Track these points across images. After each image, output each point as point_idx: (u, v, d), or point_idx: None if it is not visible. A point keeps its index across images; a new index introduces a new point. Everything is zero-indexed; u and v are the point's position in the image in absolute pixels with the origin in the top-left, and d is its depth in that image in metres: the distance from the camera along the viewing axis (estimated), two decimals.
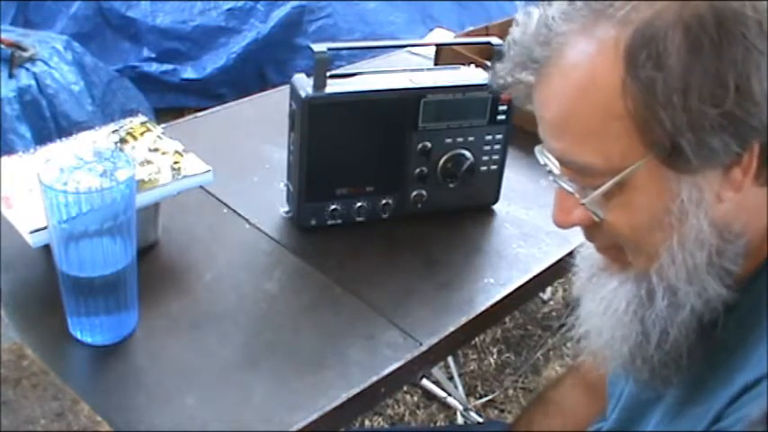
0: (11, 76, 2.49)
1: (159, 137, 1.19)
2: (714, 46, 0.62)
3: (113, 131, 1.20)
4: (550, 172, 0.75)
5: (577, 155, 0.70)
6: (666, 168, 0.67)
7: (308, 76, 1.14)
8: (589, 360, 0.84)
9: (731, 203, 0.69)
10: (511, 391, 2.17)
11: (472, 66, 1.27)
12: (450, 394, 2.03)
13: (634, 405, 0.87)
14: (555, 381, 1.20)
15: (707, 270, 0.70)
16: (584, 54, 0.67)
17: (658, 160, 0.66)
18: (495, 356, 2.25)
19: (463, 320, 1.08)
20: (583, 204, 0.72)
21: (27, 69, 2.53)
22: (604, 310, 0.77)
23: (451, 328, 1.06)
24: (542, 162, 0.76)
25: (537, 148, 0.77)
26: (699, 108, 0.63)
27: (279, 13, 3.15)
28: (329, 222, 1.21)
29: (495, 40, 1.21)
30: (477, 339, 2.23)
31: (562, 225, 0.76)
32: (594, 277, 0.80)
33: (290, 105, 1.16)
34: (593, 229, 0.75)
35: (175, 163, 1.13)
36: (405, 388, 2.02)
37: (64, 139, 1.18)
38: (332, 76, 1.14)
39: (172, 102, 3.12)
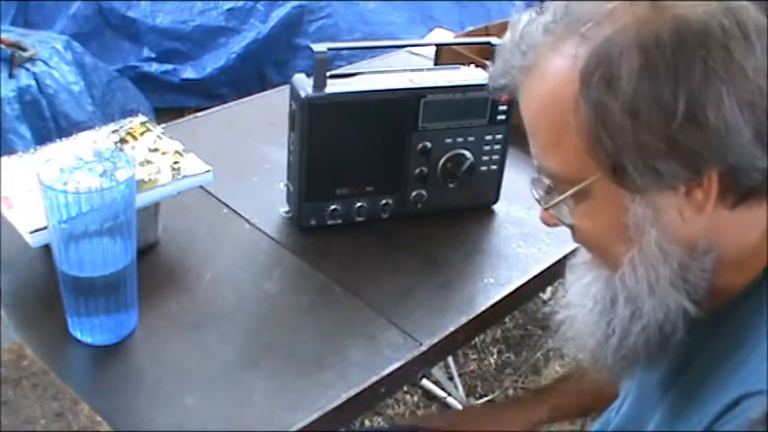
0: (11, 76, 2.49)
1: (159, 137, 1.19)
2: (669, 70, 0.62)
3: (113, 131, 1.20)
4: (533, 178, 0.79)
5: (545, 161, 0.73)
6: (618, 187, 0.68)
7: (308, 76, 1.14)
8: (563, 346, 0.86)
9: (697, 223, 0.69)
10: (511, 391, 2.17)
11: (472, 66, 1.27)
12: (450, 394, 2.03)
13: (640, 405, 0.88)
14: None
15: (670, 284, 0.71)
16: (552, 67, 0.69)
17: (609, 178, 0.68)
18: (495, 356, 2.25)
19: (463, 320, 1.08)
20: (548, 210, 0.76)
21: (27, 69, 2.53)
22: (579, 301, 0.80)
23: (451, 328, 1.06)
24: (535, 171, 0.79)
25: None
26: (644, 133, 0.64)
27: (279, 13, 3.15)
28: (329, 222, 1.21)
29: (495, 40, 1.22)
30: (477, 339, 2.23)
31: (545, 223, 0.80)
32: (577, 267, 0.83)
33: (290, 105, 1.16)
34: (571, 231, 0.79)
35: (175, 163, 1.13)
36: (405, 388, 2.02)
37: (64, 139, 1.18)
38: (332, 76, 1.14)
39: (172, 102, 3.12)
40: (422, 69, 1.25)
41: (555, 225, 0.79)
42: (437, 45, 1.69)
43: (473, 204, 1.29)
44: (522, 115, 0.74)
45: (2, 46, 2.52)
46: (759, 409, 0.66)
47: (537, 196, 0.78)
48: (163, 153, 1.15)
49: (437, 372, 1.97)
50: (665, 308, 0.72)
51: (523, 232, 1.26)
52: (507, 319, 2.35)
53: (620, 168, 0.66)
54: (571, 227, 0.77)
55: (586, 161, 0.68)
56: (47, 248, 0.98)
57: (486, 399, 2.11)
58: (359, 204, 1.21)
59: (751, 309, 0.71)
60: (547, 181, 0.75)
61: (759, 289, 0.71)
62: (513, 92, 0.74)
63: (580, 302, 0.80)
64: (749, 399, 0.64)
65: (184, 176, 1.12)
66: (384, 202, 1.22)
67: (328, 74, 1.13)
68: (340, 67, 1.46)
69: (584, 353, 0.81)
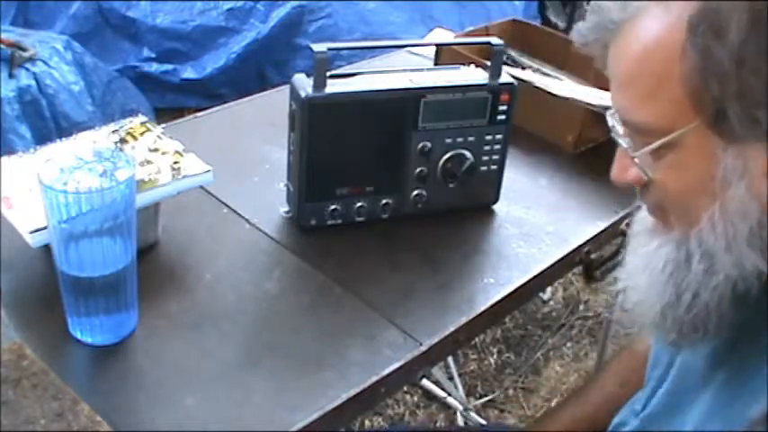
0: (11, 76, 2.49)
1: (159, 137, 1.19)
2: None
3: (113, 131, 1.20)
4: (613, 128, 0.79)
5: (636, 113, 0.74)
6: (713, 135, 0.69)
7: (308, 76, 1.14)
8: (624, 317, 0.86)
9: None
10: (511, 391, 2.17)
11: (472, 66, 1.27)
12: (450, 394, 2.03)
13: (681, 386, 0.88)
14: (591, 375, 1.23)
15: (747, 242, 0.72)
16: (655, 19, 0.71)
17: (706, 126, 0.69)
18: (495, 356, 2.25)
19: (463, 320, 1.08)
20: (635, 161, 0.76)
21: (27, 69, 2.53)
22: (643, 267, 0.80)
23: (451, 328, 1.06)
24: (610, 124, 0.80)
25: (608, 112, 0.82)
26: (749, 80, 0.65)
27: (279, 13, 3.15)
28: (329, 222, 1.21)
29: (495, 40, 1.22)
30: (477, 339, 2.23)
31: (618, 181, 0.80)
32: (641, 236, 0.83)
33: (290, 105, 1.16)
34: (644, 189, 0.79)
35: (175, 163, 1.13)
36: (405, 388, 2.02)
37: (64, 139, 1.18)
38: (332, 76, 1.14)
39: (172, 102, 3.12)
40: (422, 69, 1.25)
41: (627, 183, 0.79)
42: (437, 45, 1.69)
43: (473, 204, 1.29)
44: (611, 71, 0.76)
45: (2, 46, 2.52)
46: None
47: (625, 145, 0.78)
48: (163, 153, 1.15)
49: (437, 372, 1.97)
50: (740, 266, 0.72)
51: (523, 232, 1.26)
52: (507, 319, 2.35)
53: (721, 115, 0.67)
54: (649, 183, 0.77)
55: (684, 110, 0.69)
56: (47, 248, 0.98)
57: (486, 399, 2.11)
58: (359, 204, 1.21)
59: None
60: (627, 139, 0.77)
61: None
62: (602, 48, 0.76)
63: (645, 268, 0.80)
64: None
65: (184, 176, 1.12)
66: (384, 202, 1.22)
67: (328, 74, 1.13)
68: (340, 67, 1.46)
69: (648, 318, 0.80)
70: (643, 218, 0.85)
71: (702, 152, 0.71)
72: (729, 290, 0.74)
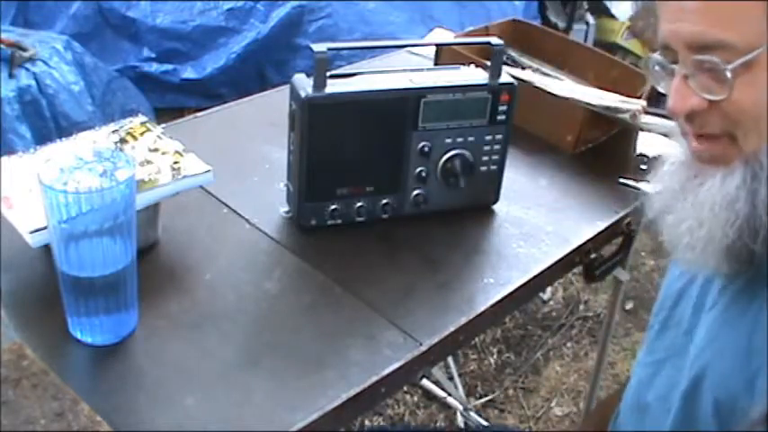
0: (11, 76, 2.49)
1: (159, 137, 1.19)
2: None
3: (113, 131, 1.20)
4: (662, 67, 0.82)
5: (717, 33, 0.76)
6: None
7: (308, 76, 1.14)
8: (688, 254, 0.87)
9: None
10: (511, 391, 2.17)
11: (472, 66, 1.27)
12: (450, 394, 2.03)
13: (684, 328, 0.92)
14: None
15: None
16: None
17: None
18: (495, 356, 2.25)
19: (463, 320, 1.08)
20: (703, 82, 0.78)
21: (27, 69, 2.53)
22: (710, 207, 0.82)
23: (451, 328, 1.06)
24: (654, 68, 0.83)
25: (649, 57, 0.84)
26: None
27: (279, 13, 3.15)
28: (329, 222, 1.21)
29: (495, 40, 1.21)
30: (477, 339, 2.23)
31: (679, 111, 0.82)
32: (688, 182, 0.85)
33: (290, 105, 1.16)
34: (706, 115, 0.81)
35: (175, 163, 1.13)
36: (405, 388, 2.02)
37: (64, 139, 1.18)
38: (332, 76, 1.14)
39: (172, 102, 3.12)
40: (422, 69, 1.25)
41: (688, 111, 0.81)
42: (437, 45, 1.69)
43: (473, 204, 1.29)
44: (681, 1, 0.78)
45: (2, 46, 2.53)
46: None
47: (708, 65, 0.79)
48: (163, 153, 1.15)
49: (437, 372, 1.97)
50: None
51: (523, 232, 1.26)
52: (507, 319, 2.35)
53: None
54: (717, 105, 0.79)
55: (764, 29, 0.74)
56: (47, 248, 0.98)
57: (486, 399, 2.12)
58: (359, 204, 1.21)
59: None
60: (702, 57, 0.78)
61: None
62: None
63: (710, 207, 0.82)
64: None
65: (184, 176, 1.12)
66: (384, 202, 1.22)
67: (328, 74, 1.13)
68: (340, 67, 1.46)
69: (720, 243, 0.82)
70: (674, 171, 0.87)
71: None
72: None
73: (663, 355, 0.97)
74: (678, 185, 0.87)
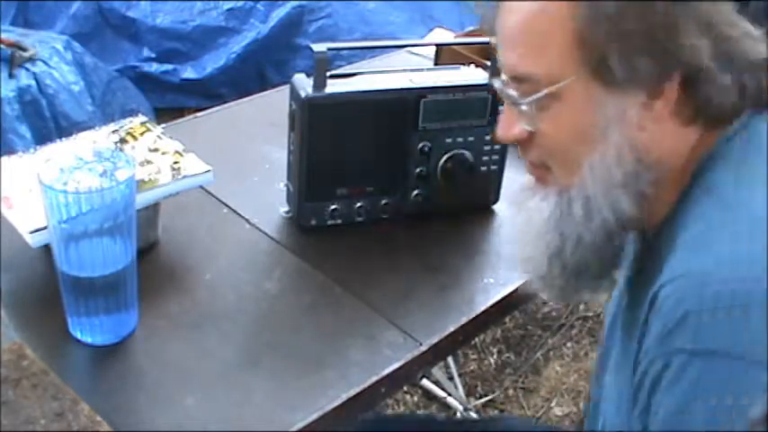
0: (11, 76, 2.49)
1: (159, 137, 1.19)
2: None
3: (113, 131, 1.20)
4: (501, 91, 0.83)
5: (524, 65, 0.78)
6: (595, 83, 0.75)
7: (308, 76, 1.14)
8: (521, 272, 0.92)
9: (651, 134, 0.76)
10: (511, 391, 2.17)
11: (472, 66, 1.27)
12: (450, 394, 2.03)
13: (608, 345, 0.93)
14: None
15: (622, 188, 0.78)
16: None
17: (589, 74, 0.74)
18: (495, 356, 2.25)
19: (463, 320, 1.08)
20: (520, 113, 0.80)
21: (27, 69, 2.52)
22: (527, 222, 0.85)
23: (451, 329, 1.06)
24: (497, 87, 0.84)
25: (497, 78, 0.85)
26: (631, 26, 0.71)
27: (279, 13, 3.15)
28: (329, 222, 1.21)
29: (494, 40, 1.21)
30: (477, 339, 2.23)
31: (503, 138, 0.85)
32: (521, 194, 0.88)
33: (290, 105, 1.16)
34: (527, 144, 0.83)
35: (175, 163, 1.13)
36: (405, 388, 2.02)
37: (64, 139, 1.18)
38: (332, 76, 1.14)
39: (172, 102, 3.11)
40: (422, 69, 1.25)
41: (512, 140, 0.84)
42: (437, 45, 1.69)
43: (473, 204, 1.29)
44: (500, 31, 0.80)
45: (2, 46, 2.52)
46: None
47: (513, 94, 0.81)
48: (163, 153, 1.15)
49: (437, 372, 1.97)
50: (616, 208, 0.79)
51: None
52: (507, 319, 2.35)
53: (603, 61, 0.73)
54: (533, 136, 0.81)
55: (570, 60, 0.75)
56: (47, 248, 0.98)
57: (486, 399, 2.11)
58: (359, 204, 1.21)
59: (681, 218, 0.76)
60: (516, 89, 0.80)
61: (688, 198, 0.77)
62: (491, 12, 0.81)
63: (530, 222, 0.85)
64: (663, 288, 0.70)
65: (184, 176, 1.12)
66: (384, 202, 1.22)
67: (328, 74, 1.13)
68: (340, 67, 1.46)
69: (538, 271, 0.86)
70: (522, 183, 0.90)
71: (585, 101, 0.76)
72: (606, 233, 0.80)
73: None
74: (515, 193, 0.91)
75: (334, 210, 1.20)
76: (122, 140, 1.18)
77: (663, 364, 0.70)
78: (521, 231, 0.87)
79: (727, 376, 0.67)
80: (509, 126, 0.83)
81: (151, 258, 1.13)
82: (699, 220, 0.74)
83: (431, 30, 2.06)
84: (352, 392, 0.95)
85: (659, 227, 0.80)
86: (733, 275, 0.68)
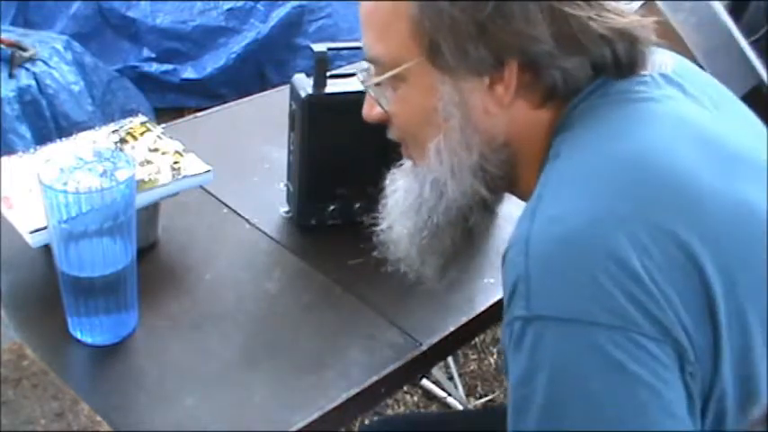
0: (11, 76, 2.49)
1: (159, 137, 1.19)
2: None
3: (113, 131, 1.20)
4: (364, 73, 0.88)
5: (372, 48, 0.83)
6: (433, 69, 0.78)
7: (308, 76, 1.14)
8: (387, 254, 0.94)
9: (498, 117, 0.79)
10: None
11: None
12: (450, 394, 2.03)
13: None
14: None
15: (471, 171, 0.81)
16: None
17: (426, 60, 0.78)
18: (495, 356, 2.25)
19: (463, 320, 1.08)
20: (375, 94, 0.86)
21: (27, 69, 2.53)
22: (394, 203, 0.90)
23: (451, 328, 1.06)
24: (361, 69, 0.89)
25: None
26: (459, 16, 0.74)
27: (279, 13, 3.15)
28: (329, 222, 1.21)
29: None
30: (477, 339, 2.23)
31: (366, 118, 0.90)
32: (395, 175, 0.92)
33: (290, 105, 1.16)
34: (389, 125, 0.89)
35: (175, 163, 1.13)
36: (405, 388, 2.02)
37: (64, 139, 1.18)
38: (332, 76, 1.14)
39: (172, 102, 3.12)
40: None
41: (374, 120, 0.89)
42: None
43: None
44: (360, 17, 0.84)
45: (2, 46, 2.52)
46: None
47: (361, 78, 0.88)
48: (163, 153, 1.15)
49: (437, 372, 1.97)
50: (465, 191, 0.82)
51: None
52: None
53: (435, 48, 0.76)
54: (389, 116, 0.87)
55: (409, 46, 0.78)
56: (47, 248, 0.98)
57: (486, 399, 2.11)
58: (359, 204, 1.21)
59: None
60: (373, 72, 0.85)
61: (542, 168, 0.78)
62: None
63: (394, 203, 0.89)
64: (504, 258, 0.73)
65: (184, 176, 1.12)
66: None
67: (328, 74, 1.13)
68: (340, 67, 1.46)
69: (400, 249, 0.90)
70: (403, 164, 0.93)
71: (424, 85, 0.80)
72: (458, 213, 0.83)
73: None
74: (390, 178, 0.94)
75: (334, 210, 1.20)
76: (122, 140, 1.18)
77: (507, 334, 0.69)
78: (388, 213, 0.91)
79: (560, 340, 0.65)
80: (370, 108, 0.89)
81: (151, 258, 1.13)
82: (539, 186, 0.75)
83: None
84: (352, 392, 0.95)
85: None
86: (552, 237, 0.68)
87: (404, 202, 0.88)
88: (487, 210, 0.86)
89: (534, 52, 0.75)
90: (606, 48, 0.76)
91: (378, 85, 0.84)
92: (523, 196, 0.82)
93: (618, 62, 0.77)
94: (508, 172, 0.82)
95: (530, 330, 0.66)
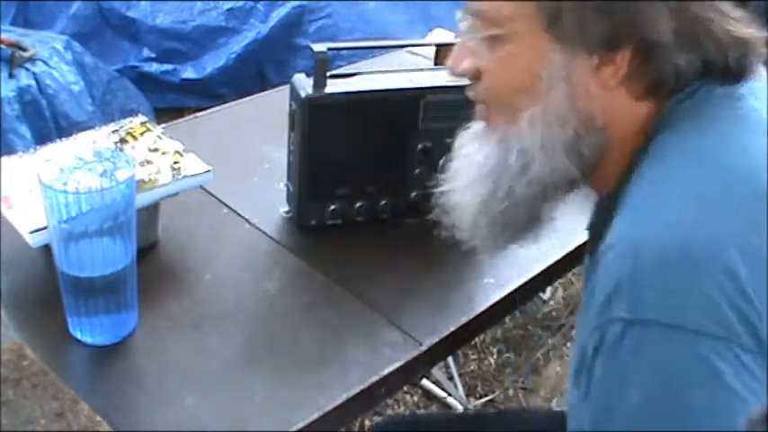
0: (11, 76, 2.49)
1: (159, 137, 1.19)
2: None
3: (113, 131, 1.20)
4: (462, 24, 0.83)
5: (482, 1, 0.78)
6: (546, 36, 0.75)
7: (308, 76, 1.14)
8: (446, 221, 0.91)
9: (599, 101, 0.76)
10: (511, 391, 2.17)
11: None
12: (450, 394, 2.03)
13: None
14: None
15: (563, 147, 0.78)
16: None
17: (541, 25, 0.75)
18: (495, 356, 2.25)
19: (463, 320, 1.08)
20: (472, 48, 0.81)
21: (27, 69, 2.52)
22: (464, 167, 0.86)
23: (451, 328, 1.06)
24: (460, 20, 0.84)
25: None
26: None
27: (279, 13, 3.15)
28: (329, 222, 1.21)
29: None
30: (477, 339, 2.23)
31: (453, 70, 0.85)
32: (466, 141, 0.89)
33: (290, 105, 1.16)
34: (475, 82, 0.83)
35: (175, 163, 1.13)
36: (405, 388, 2.02)
37: (64, 139, 1.18)
38: (332, 76, 1.14)
39: (172, 102, 3.12)
40: (422, 69, 1.25)
41: (461, 73, 0.83)
42: (437, 45, 1.69)
43: None
44: None
45: (2, 46, 2.52)
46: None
47: (464, 31, 0.82)
48: (163, 153, 1.15)
49: (437, 372, 1.97)
50: (556, 168, 0.79)
51: None
52: (507, 319, 2.35)
53: (557, 18, 0.73)
54: (481, 74, 0.81)
55: (525, 6, 0.75)
56: (47, 248, 0.98)
57: (486, 399, 2.11)
58: (359, 204, 1.21)
59: (630, 183, 0.75)
60: (478, 25, 0.80)
61: (639, 162, 0.76)
62: None
63: (466, 168, 0.85)
64: (603, 256, 0.70)
65: (184, 176, 1.12)
66: (384, 202, 1.22)
67: (328, 74, 1.13)
68: (340, 67, 1.46)
69: (465, 219, 0.86)
70: (472, 127, 0.90)
71: (534, 50, 0.76)
72: (541, 188, 0.80)
73: None
74: (462, 138, 0.91)
75: (334, 210, 1.20)
76: (122, 140, 1.18)
77: (599, 335, 0.68)
78: (452, 177, 0.87)
79: (663, 346, 0.65)
80: (460, 59, 0.83)
81: (151, 258, 1.13)
82: (642, 184, 0.73)
83: (431, 30, 2.05)
84: (353, 392, 0.95)
85: (613, 192, 0.79)
86: (668, 244, 0.66)
87: (480, 168, 0.83)
88: (569, 192, 0.83)
89: (652, 41, 0.73)
90: (720, 52, 0.75)
91: (480, 39, 0.79)
92: (595, 187, 0.81)
93: (727, 68, 0.76)
94: (597, 159, 0.79)
95: (631, 333, 0.66)
